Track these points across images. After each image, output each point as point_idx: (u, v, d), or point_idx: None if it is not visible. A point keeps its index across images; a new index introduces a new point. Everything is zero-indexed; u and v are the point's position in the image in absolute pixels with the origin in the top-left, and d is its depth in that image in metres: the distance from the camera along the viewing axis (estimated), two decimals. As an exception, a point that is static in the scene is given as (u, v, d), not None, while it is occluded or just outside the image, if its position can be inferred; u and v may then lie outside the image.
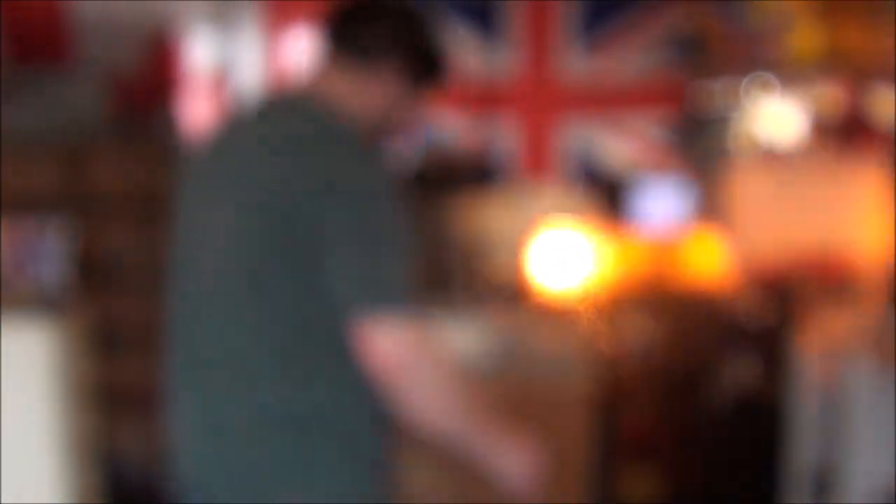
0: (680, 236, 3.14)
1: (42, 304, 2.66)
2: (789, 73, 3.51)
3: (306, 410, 1.48)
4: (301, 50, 4.81)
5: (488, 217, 4.97)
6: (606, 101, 4.94)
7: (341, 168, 1.46)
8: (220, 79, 4.80)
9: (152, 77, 4.71)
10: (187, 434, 1.59)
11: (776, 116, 4.08)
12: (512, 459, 1.51)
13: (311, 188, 1.45)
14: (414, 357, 1.42)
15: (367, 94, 1.58)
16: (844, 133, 3.34)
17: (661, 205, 4.23)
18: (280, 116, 1.55)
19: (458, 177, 4.48)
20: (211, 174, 1.59)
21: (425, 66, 1.62)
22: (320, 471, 1.49)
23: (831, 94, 3.41)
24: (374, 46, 1.57)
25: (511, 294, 3.06)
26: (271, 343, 1.47)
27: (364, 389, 1.49)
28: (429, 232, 3.83)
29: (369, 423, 1.52)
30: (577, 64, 4.92)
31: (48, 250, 2.81)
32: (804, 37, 3.41)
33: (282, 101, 1.62)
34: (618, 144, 4.99)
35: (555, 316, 2.56)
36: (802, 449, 2.79)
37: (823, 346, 2.58)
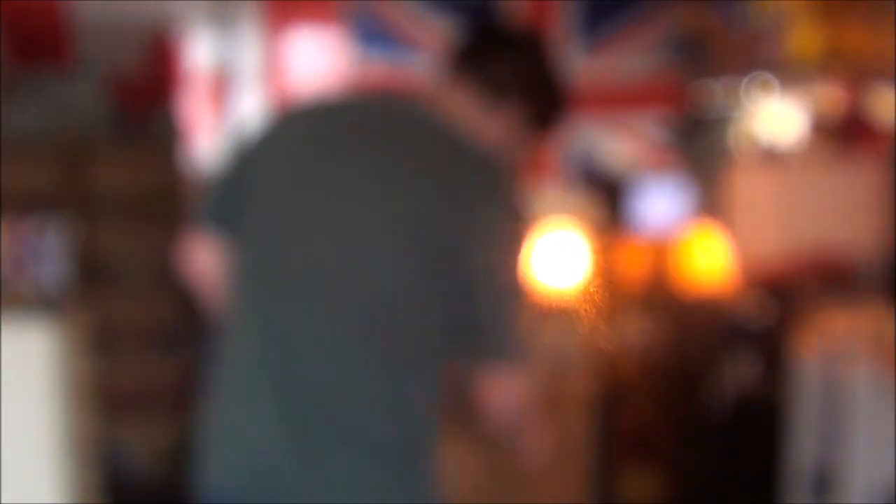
0: (680, 236, 3.15)
1: (42, 304, 2.65)
2: (789, 73, 3.51)
3: (397, 425, 1.46)
4: (302, 50, 4.82)
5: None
6: (606, 102, 4.94)
7: (496, 199, 1.45)
8: (220, 79, 4.80)
9: (152, 77, 4.71)
10: (248, 436, 1.50)
11: (776, 116, 4.07)
12: (537, 442, 1.66)
13: (471, 222, 1.42)
14: (527, 402, 1.51)
15: (486, 125, 1.54)
16: (844, 133, 3.34)
17: (661, 205, 4.23)
18: (422, 126, 1.50)
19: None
20: (322, 170, 1.48)
21: (546, 113, 1.61)
22: (394, 483, 1.47)
23: (831, 93, 3.41)
24: (508, 80, 1.55)
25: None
26: (376, 354, 1.44)
27: (438, 408, 1.51)
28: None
29: (434, 438, 1.53)
30: (576, 64, 4.92)
31: (48, 250, 2.81)
32: (804, 37, 3.41)
33: (412, 108, 1.53)
34: (618, 144, 4.99)
35: (555, 315, 2.56)
36: (802, 449, 2.79)
37: (823, 346, 2.58)
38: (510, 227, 1.47)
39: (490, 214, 1.44)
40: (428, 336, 1.45)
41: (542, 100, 1.60)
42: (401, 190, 1.44)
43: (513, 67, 1.56)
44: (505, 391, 1.48)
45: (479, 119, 1.54)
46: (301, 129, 1.55)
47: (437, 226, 1.42)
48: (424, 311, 1.44)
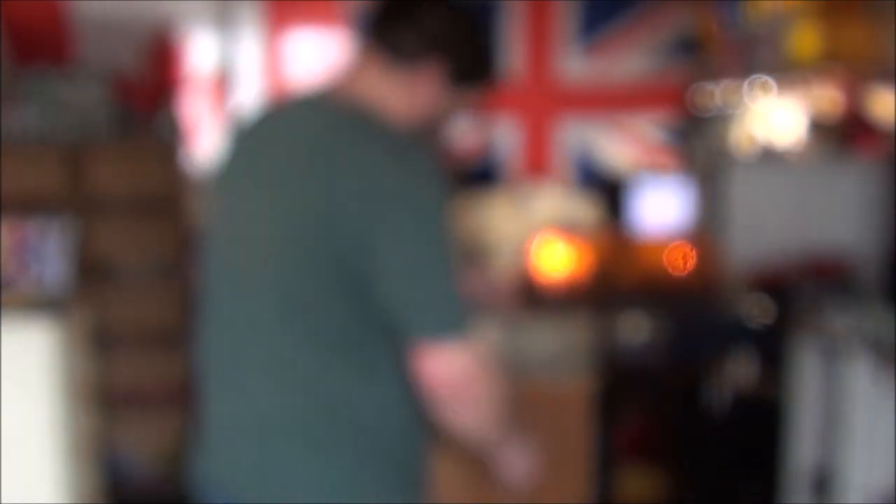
0: (679, 236, 3.15)
1: (42, 304, 2.66)
2: (788, 74, 3.52)
3: (345, 415, 1.46)
4: (302, 50, 4.82)
5: (488, 217, 4.98)
6: (606, 102, 4.95)
7: (394, 177, 1.41)
8: (221, 80, 4.81)
9: (153, 78, 4.72)
10: (220, 433, 1.54)
11: (775, 117, 4.08)
12: (517, 457, 1.65)
13: (362, 198, 1.40)
14: (470, 379, 1.46)
15: (408, 94, 1.54)
16: (843, 133, 3.35)
17: (661, 205, 4.23)
18: (323, 116, 1.49)
19: (458, 177, 4.48)
20: (250, 173, 1.53)
21: (470, 66, 1.58)
22: (355, 475, 1.47)
23: (830, 94, 3.42)
24: (416, 46, 1.52)
25: (511, 294, 3.06)
26: (311, 345, 1.44)
27: (399, 396, 1.49)
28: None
29: (405, 428, 1.52)
30: (576, 65, 4.92)
31: (49, 250, 2.81)
32: (803, 37, 3.41)
33: (322, 100, 1.54)
34: (617, 145, 5.00)
35: (555, 316, 2.56)
36: (802, 449, 2.79)
37: (823, 346, 2.58)
38: (423, 202, 1.42)
39: (396, 192, 1.40)
40: (351, 324, 1.44)
41: (460, 57, 1.55)
42: (301, 184, 1.44)
43: (421, 30, 1.53)
44: (436, 367, 1.44)
45: (397, 92, 1.53)
46: (234, 140, 1.62)
47: (341, 213, 1.40)
48: (343, 299, 1.42)
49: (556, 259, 2.72)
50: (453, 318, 1.44)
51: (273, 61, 4.85)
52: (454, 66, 1.55)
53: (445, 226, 1.45)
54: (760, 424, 3.04)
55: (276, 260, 1.45)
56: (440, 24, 1.54)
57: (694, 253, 2.90)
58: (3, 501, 2.67)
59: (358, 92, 1.53)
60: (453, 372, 1.44)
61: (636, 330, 2.59)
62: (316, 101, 1.54)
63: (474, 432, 1.54)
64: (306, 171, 1.44)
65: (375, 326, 1.45)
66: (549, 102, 4.89)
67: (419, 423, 1.55)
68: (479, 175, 4.90)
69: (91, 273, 4.59)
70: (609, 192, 4.38)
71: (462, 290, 1.46)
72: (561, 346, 2.55)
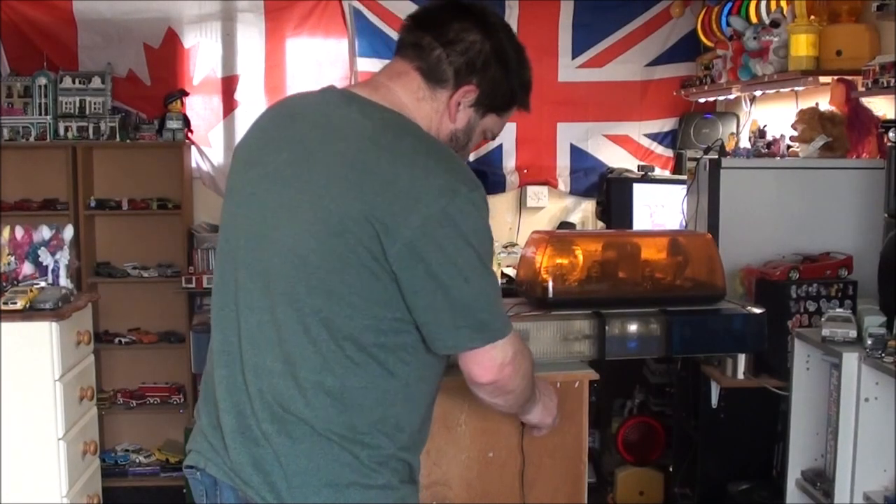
0: (678, 236, 3.15)
1: (44, 303, 2.67)
2: (787, 75, 3.53)
3: (354, 414, 1.46)
4: (303, 52, 4.83)
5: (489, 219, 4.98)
6: (606, 103, 4.96)
7: (443, 188, 1.40)
8: (224, 80, 4.82)
9: (157, 78, 4.73)
10: (225, 431, 1.53)
11: (773, 116, 4.09)
12: (541, 413, 1.80)
13: (411, 203, 1.39)
14: (514, 370, 1.52)
15: (437, 114, 1.55)
16: (842, 134, 3.35)
17: (659, 205, 4.24)
18: (373, 117, 1.47)
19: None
20: (282, 165, 1.49)
21: (501, 94, 1.59)
22: (362, 474, 1.48)
23: (829, 94, 3.43)
24: (451, 69, 1.53)
25: (511, 294, 3.07)
26: (325, 343, 1.44)
27: (411, 399, 1.51)
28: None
29: (414, 430, 1.53)
30: (577, 66, 4.94)
31: (51, 250, 2.82)
32: (802, 38, 3.42)
33: (365, 101, 1.52)
34: (617, 145, 5.01)
35: (553, 315, 2.57)
36: (802, 449, 2.79)
37: (823, 346, 2.59)
38: (469, 212, 1.42)
39: (447, 204, 1.40)
40: (372, 325, 1.43)
41: (490, 83, 1.56)
42: (328, 177, 1.43)
43: (453, 54, 1.53)
44: (482, 371, 1.49)
45: (426, 109, 1.54)
46: (256, 124, 1.61)
47: (386, 215, 1.39)
48: (369, 301, 1.42)
49: (555, 259, 2.72)
50: (497, 325, 1.48)
51: (273, 61, 4.85)
52: (485, 92, 1.56)
53: (487, 234, 1.46)
54: (759, 424, 3.04)
55: (304, 256, 1.43)
56: (477, 50, 1.54)
57: (692, 252, 2.91)
58: (3, 501, 2.67)
59: (390, 102, 1.52)
60: (495, 372, 1.49)
61: (634, 329, 2.59)
62: (358, 100, 1.51)
63: (516, 406, 1.65)
64: (355, 168, 1.41)
65: (396, 330, 1.45)
66: (549, 103, 4.91)
67: (427, 422, 1.56)
68: (479, 175, 4.90)
69: (92, 273, 4.60)
70: (608, 192, 4.39)
71: (499, 295, 1.50)
72: (559, 345, 2.55)
